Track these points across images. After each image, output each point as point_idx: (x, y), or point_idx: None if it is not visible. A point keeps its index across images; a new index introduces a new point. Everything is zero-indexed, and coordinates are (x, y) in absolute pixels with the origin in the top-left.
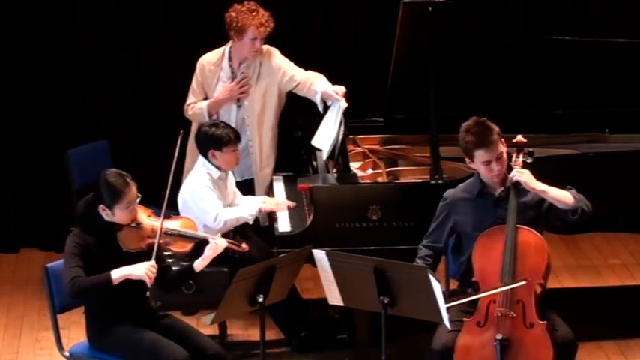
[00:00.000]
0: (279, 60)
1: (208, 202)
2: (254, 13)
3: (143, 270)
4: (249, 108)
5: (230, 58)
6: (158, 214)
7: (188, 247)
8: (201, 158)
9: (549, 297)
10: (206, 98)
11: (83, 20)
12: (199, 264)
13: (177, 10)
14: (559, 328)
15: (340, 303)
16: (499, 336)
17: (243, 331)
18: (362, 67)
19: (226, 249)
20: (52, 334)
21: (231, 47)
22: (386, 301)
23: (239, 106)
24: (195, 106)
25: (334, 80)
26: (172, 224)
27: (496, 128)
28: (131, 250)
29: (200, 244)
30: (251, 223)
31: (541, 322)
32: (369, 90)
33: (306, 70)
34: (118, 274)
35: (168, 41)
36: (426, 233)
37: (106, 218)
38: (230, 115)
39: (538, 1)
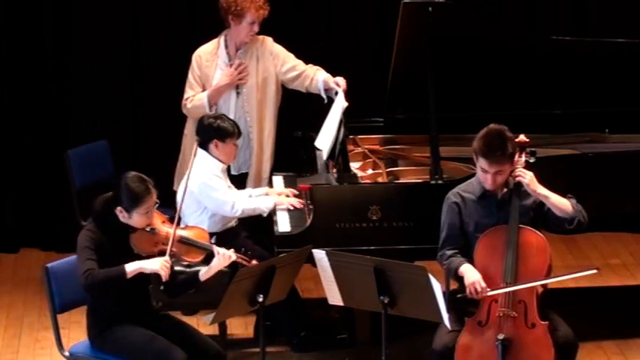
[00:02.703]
0: (277, 47)
1: (222, 192)
2: None
3: (158, 264)
4: (249, 94)
5: (226, 46)
6: (173, 221)
7: (200, 257)
8: (202, 151)
9: (549, 297)
10: (204, 90)
11: (83, 20)
12: (205, 273)
13: (177, 10)
14: (560, 329)
15: (340, 303)
16: (501, 336)
17: (243, 331)
18: (362, 67)
19: (234, 262)
20: (52, 334)
21: (226, 35)
22: (386, 301)
23: (238, 94)
24: (195, 98)
25: None
26: (186, 233)
27: (509, 147)
28: (142, 254)
29: (210, 254)
30: (265, 215)
31: (542, 322)
32: (369, 90)
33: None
34: (132, 267)
35: (168, 41)
36: (441, 243)
37: (122, 220)
38: (230, 104)
39: (538, 1)
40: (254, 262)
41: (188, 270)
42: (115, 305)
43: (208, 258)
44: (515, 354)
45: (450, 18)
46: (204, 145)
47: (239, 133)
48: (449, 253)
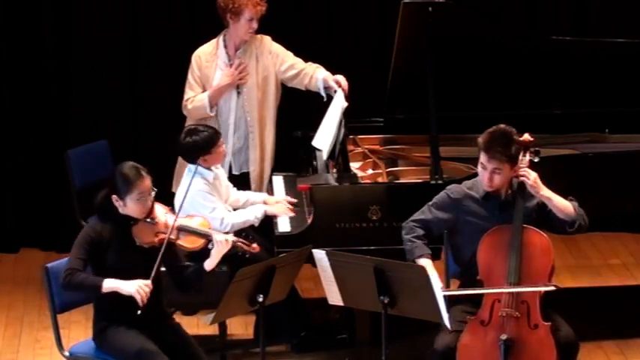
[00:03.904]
0: (276, 46)
1: (210, 208)
2: None
3: (134, 287)
4: (250, 94)
5: (225, 46)
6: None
7: (199, 243)
8: (191, 167)
9: (550, 297)
10: (205, 91)
11: (83, 20)
12: (209, 263)
13: (177, 10)
14: (561, 329)
15: (340, 303)
16: (504, 336)
17: (243, 331)
18: (362, 67)
19: (236, 248)
20: (52, 334)
21: (225, 35)
22: (386, 301)
23: (239, 93)
24: (196, 99)
25: None
26: (186, 221)
27: (512, 149)
28: (144, 244)
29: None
30: (257, 225)
31: (545, 323)
32: (369, 90)
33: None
34: (109, 284)
35: (168, 41)
36: (416, 218)
37: (120, 210)
38: (230, 104)
39: (538, 1)
40: (254, 245)
41: (193, 264)
42: (120, 305)
43: (210, 248)
44: (517, 355)
45: (450, 18)
46: (194, 163)
47: (218, 136)
48: (420, 232)
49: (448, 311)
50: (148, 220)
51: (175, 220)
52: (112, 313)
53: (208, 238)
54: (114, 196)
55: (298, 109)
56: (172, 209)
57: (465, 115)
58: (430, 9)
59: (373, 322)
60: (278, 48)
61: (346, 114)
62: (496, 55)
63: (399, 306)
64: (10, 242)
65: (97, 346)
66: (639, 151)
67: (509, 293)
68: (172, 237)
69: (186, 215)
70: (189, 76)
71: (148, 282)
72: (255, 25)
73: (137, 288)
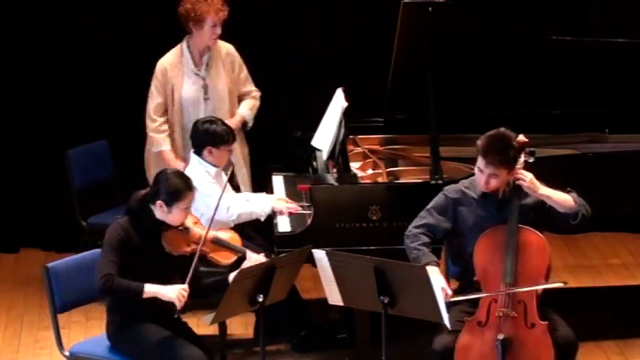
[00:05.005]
0: (238, 57)
1: (215, 197)
2: (209, 1)
3: (175, 293)
4: (220, 103)
5: (190, 52)
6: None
7: (231, 259)
8: (195, 157)
9: (549, 297)
10: (166, 100)
11: (83, 20)
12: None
13: (177, 10)
14: (559, 329)
15: (340, 303)
16: (501, 336)
17: (243, 331)
18: (362, 67)
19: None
20: (52, 334)
21: (188, 41)
22: (386, 301)
23: (207, 99)
24: (160, 138)
25: (334, 80)
26: (219, 234)
27: (509, 155)
28: (174, 252)
29: (242, 257)
30: (263, 220)
31: (542, 322)
32: (369, 90)
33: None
34: (150, 289)
35: (168, 41)
36: (418, 223)
37: (159, 215)
38: (199, 110)
39: (538, 1)
40: None
41: (218, 270)
42: (137, 304)
43: (239, 261)
44: (515, 354)
45: (450, 18)
46: (197, 150)
47: (233, 138)
48: (425, 239)
49: (447, 312)
50: (181, 228)
51: (207, 232)
52: (132, 309)
53: (241, 256)
54: (158, 202)
55: (298, 109)
56: (200, 220)
57: (465, 115)
58: (430, 9)
59: (373, 322)
60: (238, 59)
61: (346, 114)
62: (496, 55)
63: (399, 306)
64: (10, 242)
65: (112, 343)
66: (639, 151)
67: (505, 293)
68: (206, 249)
69: (218, 228)
70: (153, 85)
71: (185, 286)
72: (218, 31)
73: (177, 294)
